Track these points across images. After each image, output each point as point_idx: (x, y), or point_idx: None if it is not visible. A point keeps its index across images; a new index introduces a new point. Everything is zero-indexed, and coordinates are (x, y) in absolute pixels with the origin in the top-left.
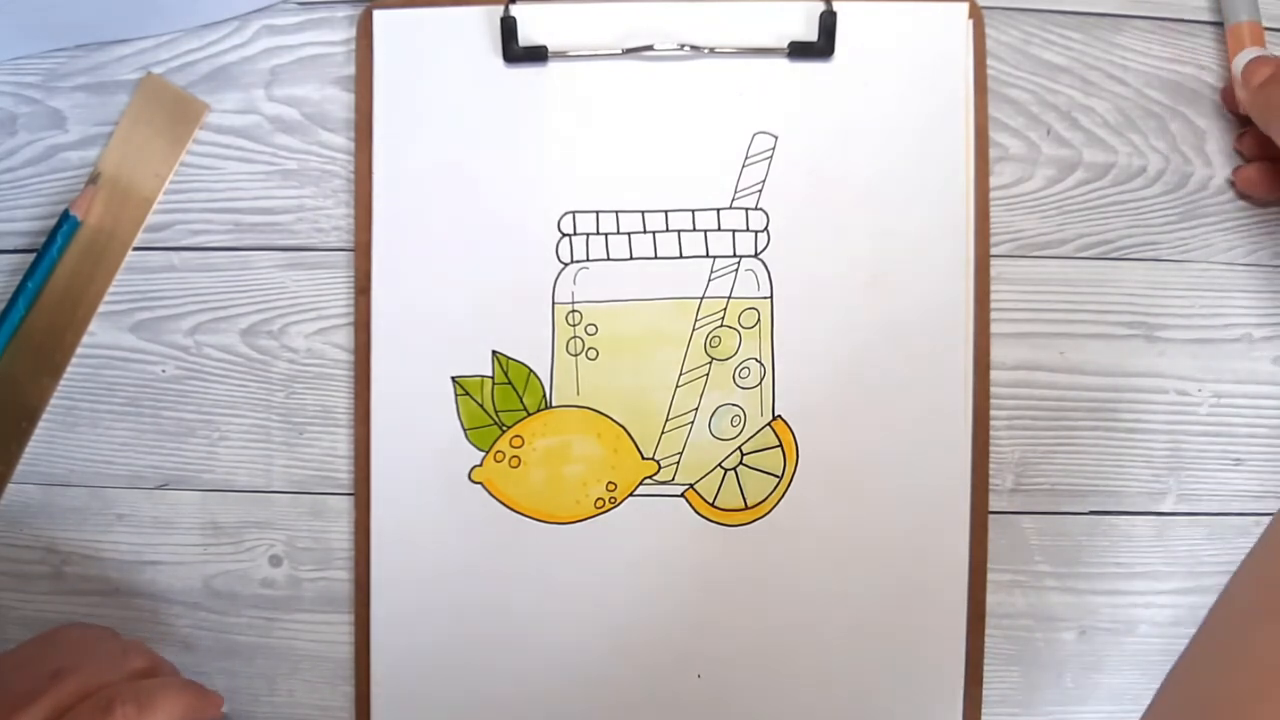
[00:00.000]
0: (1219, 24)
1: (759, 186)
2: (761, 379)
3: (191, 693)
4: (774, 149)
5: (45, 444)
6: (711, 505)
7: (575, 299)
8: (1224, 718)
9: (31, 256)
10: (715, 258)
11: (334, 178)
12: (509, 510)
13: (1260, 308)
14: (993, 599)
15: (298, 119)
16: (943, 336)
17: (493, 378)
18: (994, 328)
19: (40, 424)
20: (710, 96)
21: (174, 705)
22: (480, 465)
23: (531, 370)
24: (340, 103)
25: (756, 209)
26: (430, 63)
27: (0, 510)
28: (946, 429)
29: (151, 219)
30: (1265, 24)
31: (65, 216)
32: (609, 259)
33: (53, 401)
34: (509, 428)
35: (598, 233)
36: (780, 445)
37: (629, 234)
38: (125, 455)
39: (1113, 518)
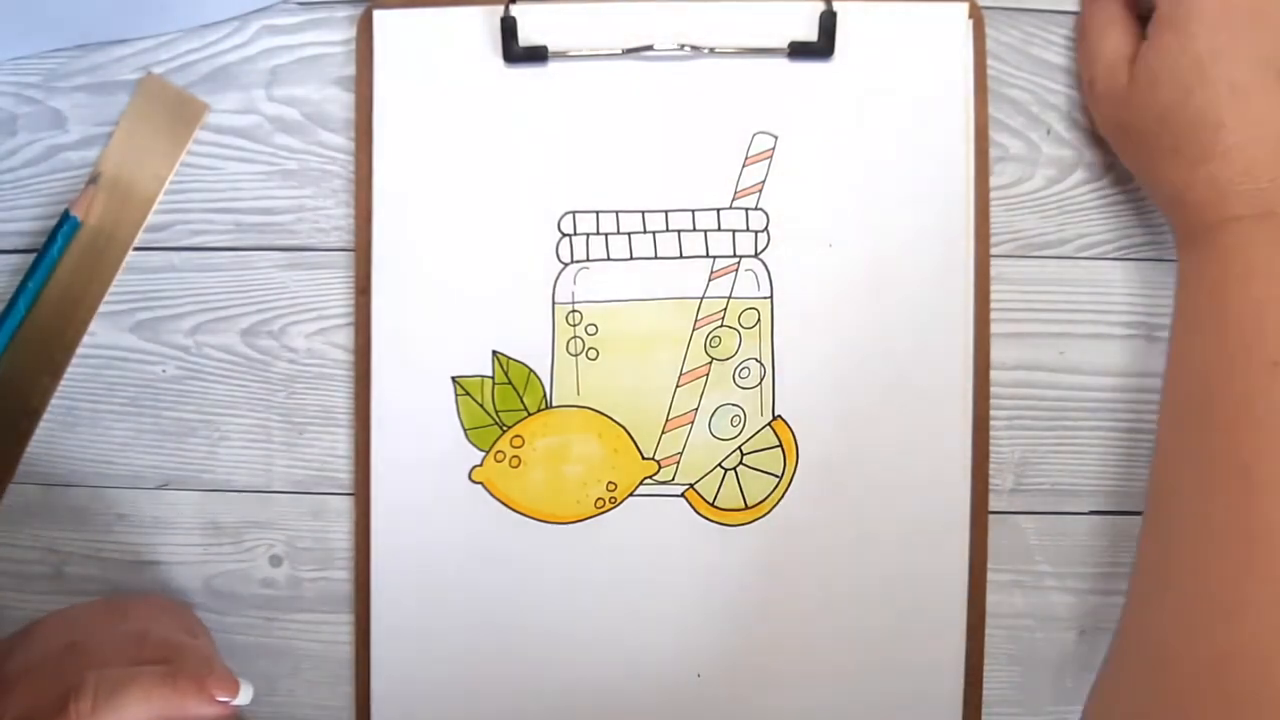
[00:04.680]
0: None
1: (759, 186)
2: (761, 379)
3: (171, 686)
4: (774, 149)
5: (45, 444)
6: (711, 505)
7: (575, 299)
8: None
9: (31, 257)
10: (715, 258)
11: (334, 178)
12: (509, 510)
13: None
14: (993, 599)
15: (298, 119)
16: (943, 336)
17: (493, 378)
18: (994, 328)
19: (40, 424)
20: (710, 96)
21: (143, 701)
22: (480, 465)
23: (532, 370)
24: (340, 103)
25: (756, 209)
26: (430, 63)
27: (0, 510)
28: (946, 429)
29: (151, 219)
30: None
31: (65, 217)
32: (609, 259)
33: (53, 401)
34: (509, 428)
35: (598, 233)
36: (780, 445)
37: (629, 234)
38: (125, 455)
39: (1113, 518)
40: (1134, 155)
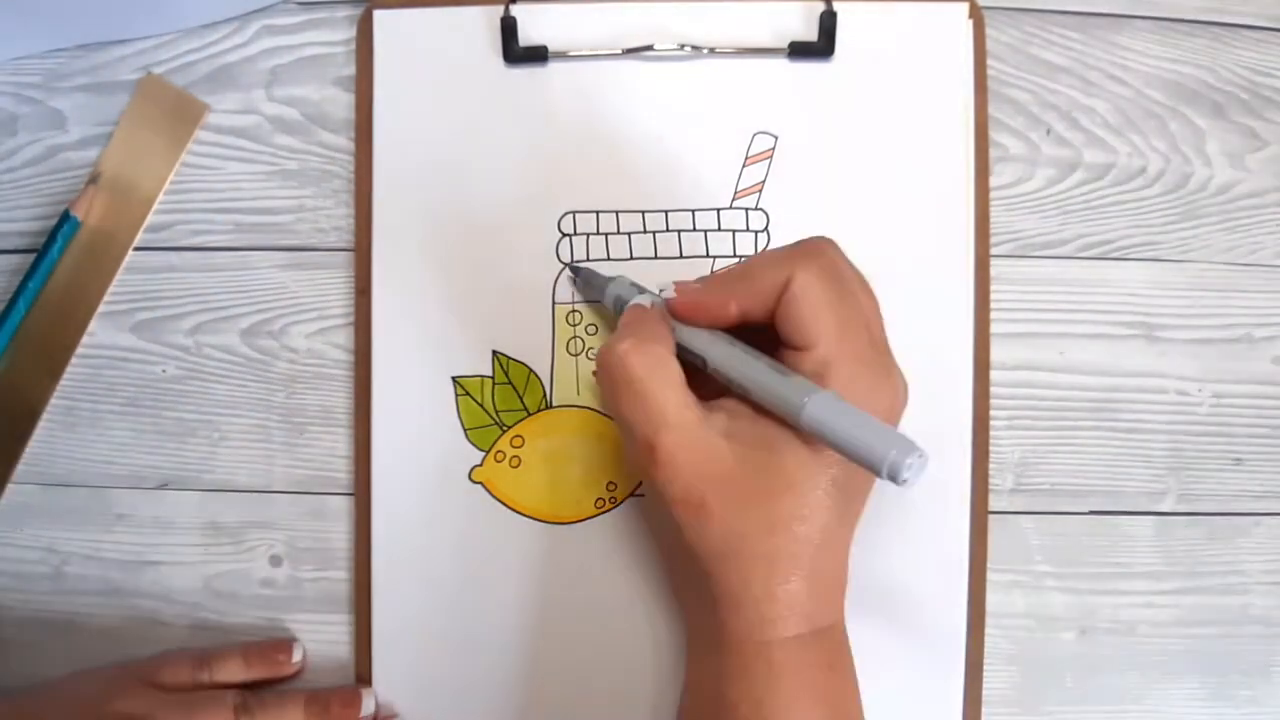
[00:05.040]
0: (1219, 24)
1: (759, 186)
2: None
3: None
4: (774, 149)
5: (45, 444)
6: None
7: (575, 299)
8: None
9: (31, 257)
10: (715, 258)
11: (334, 178)
12: (509, 510)
13: (1260, 308)
14: (993, 599)
15: (298, 119)
16: (943, 336)
17: (493, 378)
18: (994, 328)
19: (40, 424)
20: (710, 96)
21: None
22: (480, 465)
23: (532, 370)
24: (340, 103)
25: (756, 209)
26: (430, 63)
27: (0, 510)
28: (946, 429)
29: (151, 219)
30: (1265, 24)
31: (65, 217)
32: (609, 259)
33: (53, 401)
34: (509, 428)
35: (598, 233)
36: None
37: (629, 234)
38: (125, 455)
39: (1113, 518)
40: (698, 531)
